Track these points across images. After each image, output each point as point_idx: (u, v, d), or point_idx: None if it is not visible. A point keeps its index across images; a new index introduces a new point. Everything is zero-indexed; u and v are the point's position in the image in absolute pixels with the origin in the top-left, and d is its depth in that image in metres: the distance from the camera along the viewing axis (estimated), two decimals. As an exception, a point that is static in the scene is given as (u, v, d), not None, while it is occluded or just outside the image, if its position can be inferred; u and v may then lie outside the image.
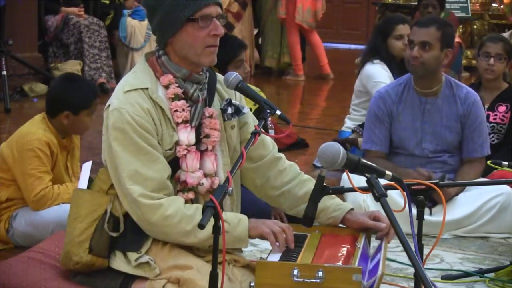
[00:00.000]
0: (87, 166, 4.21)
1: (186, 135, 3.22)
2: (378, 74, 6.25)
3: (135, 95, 3.18)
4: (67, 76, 4.78)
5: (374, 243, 3.36)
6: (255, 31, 11.85)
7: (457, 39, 8.29)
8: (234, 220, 3.16)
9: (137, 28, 10.10)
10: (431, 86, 4.98)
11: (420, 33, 4.90)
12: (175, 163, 3.23)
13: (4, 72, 8.38)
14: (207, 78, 3.33)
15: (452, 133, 4.99)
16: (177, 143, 3.22)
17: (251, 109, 4.67)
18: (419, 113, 4.99)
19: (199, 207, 3.16)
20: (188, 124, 3.23)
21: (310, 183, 3.41)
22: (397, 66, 6.26)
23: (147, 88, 3.20)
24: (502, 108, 5.59)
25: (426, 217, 3.95)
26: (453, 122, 4.98)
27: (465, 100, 4.98)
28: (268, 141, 3.47)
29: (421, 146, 5.00)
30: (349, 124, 6.49)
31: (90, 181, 3.96)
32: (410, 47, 4.94)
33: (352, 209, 3.38)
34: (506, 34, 8.23)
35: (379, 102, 5.05)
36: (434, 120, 4.98)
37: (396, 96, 5.02)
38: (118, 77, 9.38)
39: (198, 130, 3.27)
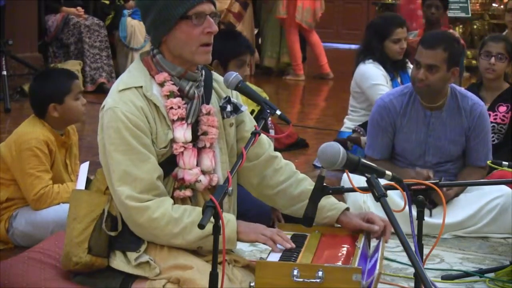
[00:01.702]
0: (84, 167, 4.21)
1: (183, 132, 3.21)
2: (373, 75, 6.18)
3: (129, 93, 3.18)
4: (39, 74, 4.77)
5: (374, 242, 3.36)
6: (255, 31, 11.85)
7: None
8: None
9: (137, 28, 10.09)
10: (437, 101, 4.87)
11: (426, 56, 4.75)
12: (172, 160, 3.22)
13: (4, 72, 8.37)
14: (203, 76, 3.32)
15: (456, 146, 4.93)
16: (173, 141, 3.21)
17: (254, 110, 4.67)
18: (423, 127, 4.91)
19: (187, 208, 3.15)
20: (184, 121, 3.22)
21: (305, 183, 3.41)
22: (391, 65, 6.24)
23: (141, 87, 3.20)
24: (502, 108, 5.58)
25: (427, 219, 3.95)
26: (457, 136, 4.91)
27: (471, 112, 4.89)
28: (264, 140, 3.45)
29: (423, 158, 4.94)
30: (348, 124, 6.46)
31: (88, 182, 3.96)
32: (416, 67, 4.80)
33: (347, 208, 3.38)
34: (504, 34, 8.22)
35: (382, 111, 4.95)
36: (438, 133, 4.91)
37: (401, 107, 4.92)
38: (118, 77, 9.36)
39: (195, 127, 3.26)
